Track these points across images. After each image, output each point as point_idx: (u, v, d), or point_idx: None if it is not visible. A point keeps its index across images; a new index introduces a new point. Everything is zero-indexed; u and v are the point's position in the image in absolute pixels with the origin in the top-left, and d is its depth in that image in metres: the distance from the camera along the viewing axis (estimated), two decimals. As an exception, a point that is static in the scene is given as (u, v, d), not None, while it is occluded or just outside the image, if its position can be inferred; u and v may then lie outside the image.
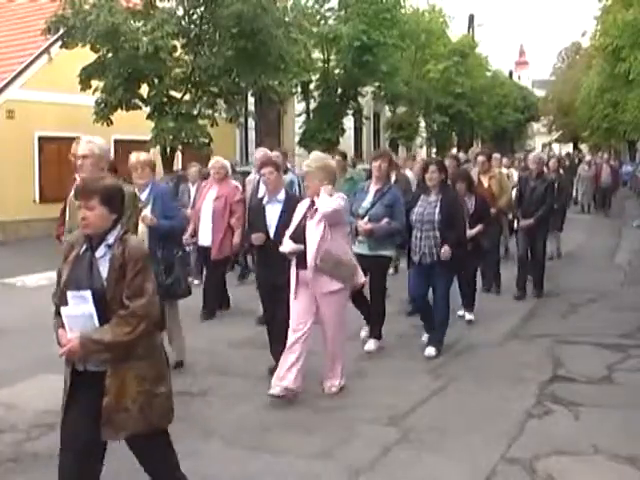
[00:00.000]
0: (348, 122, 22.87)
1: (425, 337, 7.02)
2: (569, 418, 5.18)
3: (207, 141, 14.21)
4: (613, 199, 23.96)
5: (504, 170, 11.52)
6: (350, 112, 22.18)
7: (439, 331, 6.77)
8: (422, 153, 29.48)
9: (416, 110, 27.69)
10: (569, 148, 51.92)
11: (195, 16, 14.20)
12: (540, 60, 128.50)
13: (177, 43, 13.93)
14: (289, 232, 5.57)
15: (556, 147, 56.40)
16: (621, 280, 10.83)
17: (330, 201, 5.34)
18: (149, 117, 14.10)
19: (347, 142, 23.98)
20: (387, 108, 28.40)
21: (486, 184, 9.40)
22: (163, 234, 5.83)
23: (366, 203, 6.80)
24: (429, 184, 6.67)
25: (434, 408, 5.40)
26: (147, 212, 5.78)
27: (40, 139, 15.83)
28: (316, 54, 20.04)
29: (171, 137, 13.60)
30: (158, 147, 14.06)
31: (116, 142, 14.91)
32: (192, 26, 14.19)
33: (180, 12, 13.96)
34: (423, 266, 6.61)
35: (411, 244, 6.65)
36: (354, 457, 4.48)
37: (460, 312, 8.14)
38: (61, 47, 14.39)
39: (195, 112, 14.28)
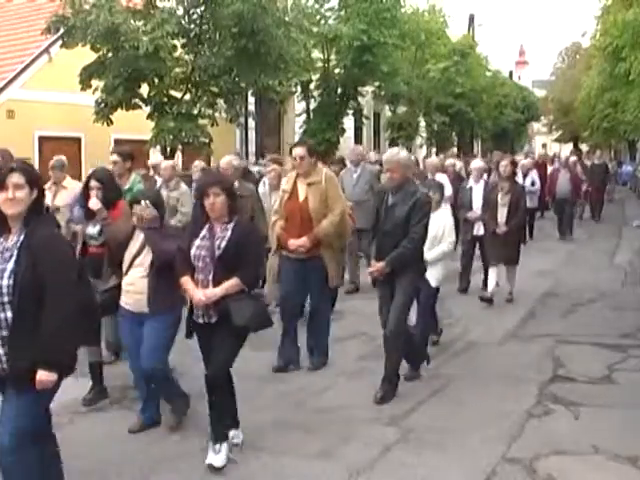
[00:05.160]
0: (348, 122, 22.83)
1: None
2: (569, 418, 5.18)
3: (207, 141, 14.20)
4: (599, 213, 19.92)
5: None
6: (350, 112, 22.15)
7: None
8: (422, 153, 29.46)
9: (416, 110, 27.67)
10: (569, 148, 51.90)
11: (195, 16, 14.18)
12: (540, 60, 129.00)
13: (177, 43, 13.91)
14: None
15: (556, 146, 56.36)
16: (621, 280, 10.82)
17: None
18: (149, 117, 14.08)
19: (347, 142, 23.97)
20: (387, 108, 28.38)
21: (302, 196, 6.00)
22: None
23: None
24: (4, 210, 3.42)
25: (434, 408, 5.40)
26: None
27: (40, 139, 15.83)
28: (316, 54, 20.01)
29: (171, 137, 13.57)
30: (158, 147, 14.07)
31: (116, 142, 14.89)
32: (192, 26, 14.17)
33: (180, 12, 13.94)
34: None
35: None
36: (354, 457, 4.48)
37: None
38: (61, 47, 14.36)
39: (195, 112, 14.26)
